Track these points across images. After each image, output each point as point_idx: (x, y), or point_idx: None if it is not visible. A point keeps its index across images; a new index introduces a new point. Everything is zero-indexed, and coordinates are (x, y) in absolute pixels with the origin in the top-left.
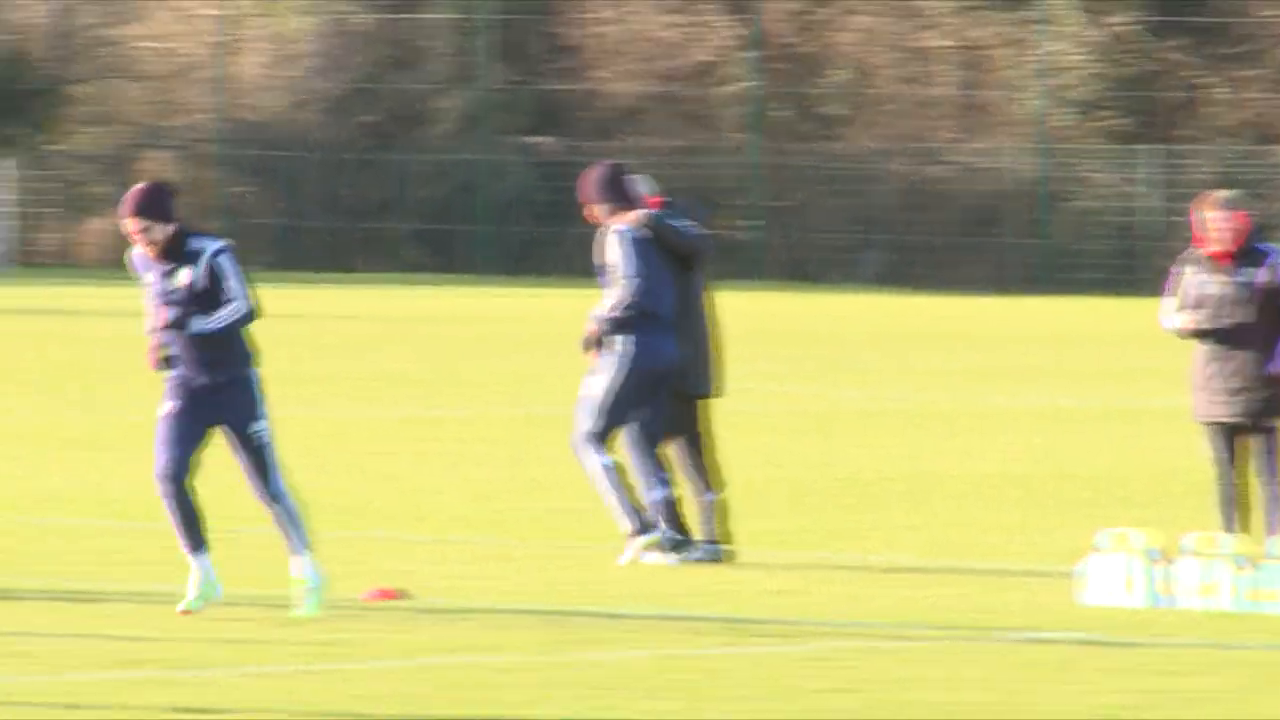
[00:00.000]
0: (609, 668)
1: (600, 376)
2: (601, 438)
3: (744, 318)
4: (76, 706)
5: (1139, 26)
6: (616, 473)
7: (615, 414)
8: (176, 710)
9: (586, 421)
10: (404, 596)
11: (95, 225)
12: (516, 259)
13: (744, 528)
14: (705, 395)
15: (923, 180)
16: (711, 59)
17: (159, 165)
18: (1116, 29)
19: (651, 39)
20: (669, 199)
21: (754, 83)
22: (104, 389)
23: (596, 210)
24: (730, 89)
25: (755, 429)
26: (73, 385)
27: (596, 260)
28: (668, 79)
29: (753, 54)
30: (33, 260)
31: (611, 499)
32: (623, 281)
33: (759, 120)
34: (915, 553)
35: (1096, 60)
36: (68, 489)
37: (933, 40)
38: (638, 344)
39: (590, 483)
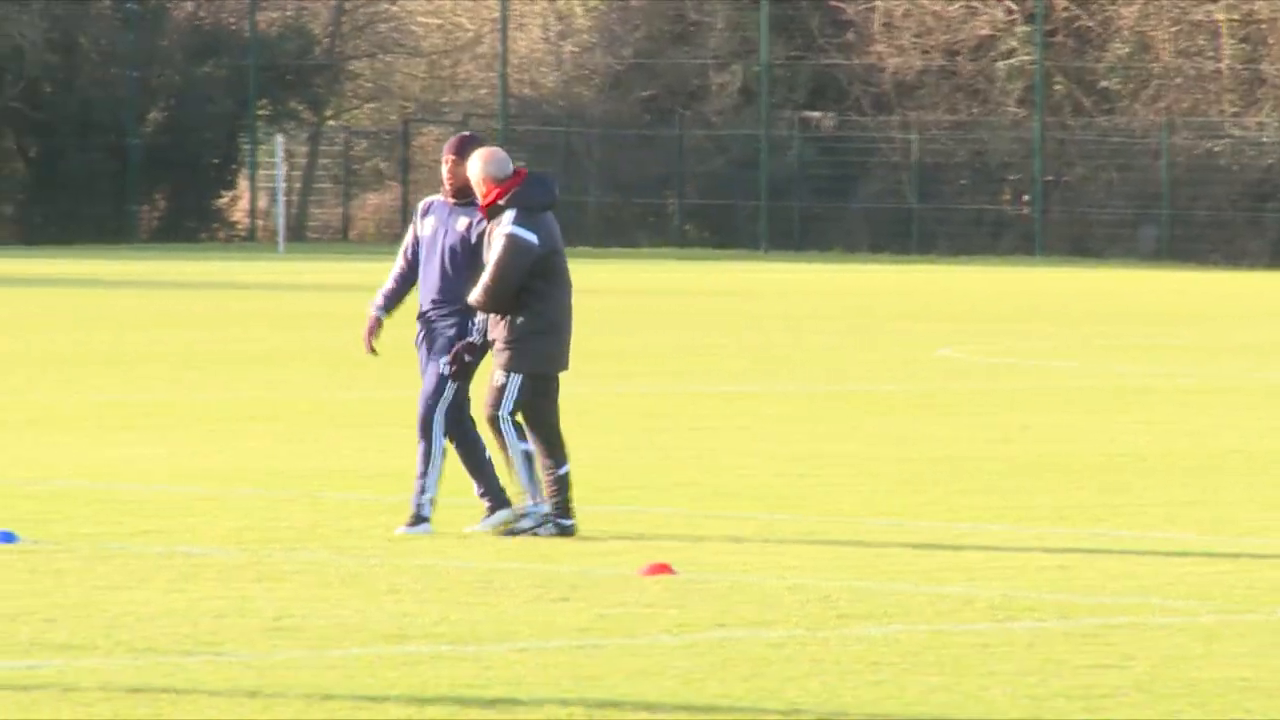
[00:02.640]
0: (880, 643)
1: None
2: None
3: (1022, 294)
4: (345, 682)
5: None
6: (444, 458)
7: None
8: (449, 687)
9: (439, 405)
10: (677, 572)
11: (372, 201)
12: (796, 234)
13: (1022, 502)
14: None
15: (1203, 154)
16: (990, 33)
17: (437, 141)
18: None
19: (930, 12)
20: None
21: (1034, 57)
22: (387, 366)
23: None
24: (1010, 63)
25: (1035, 405)
26: (359, 362)
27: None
28: (947, 53)
29: (1033, 28)
30: (308, 236)
31: (432, 479)
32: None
33: (1039, 94)
34: (1195, 529)
35: None
36: (359, 465)
37: (1214, 13)
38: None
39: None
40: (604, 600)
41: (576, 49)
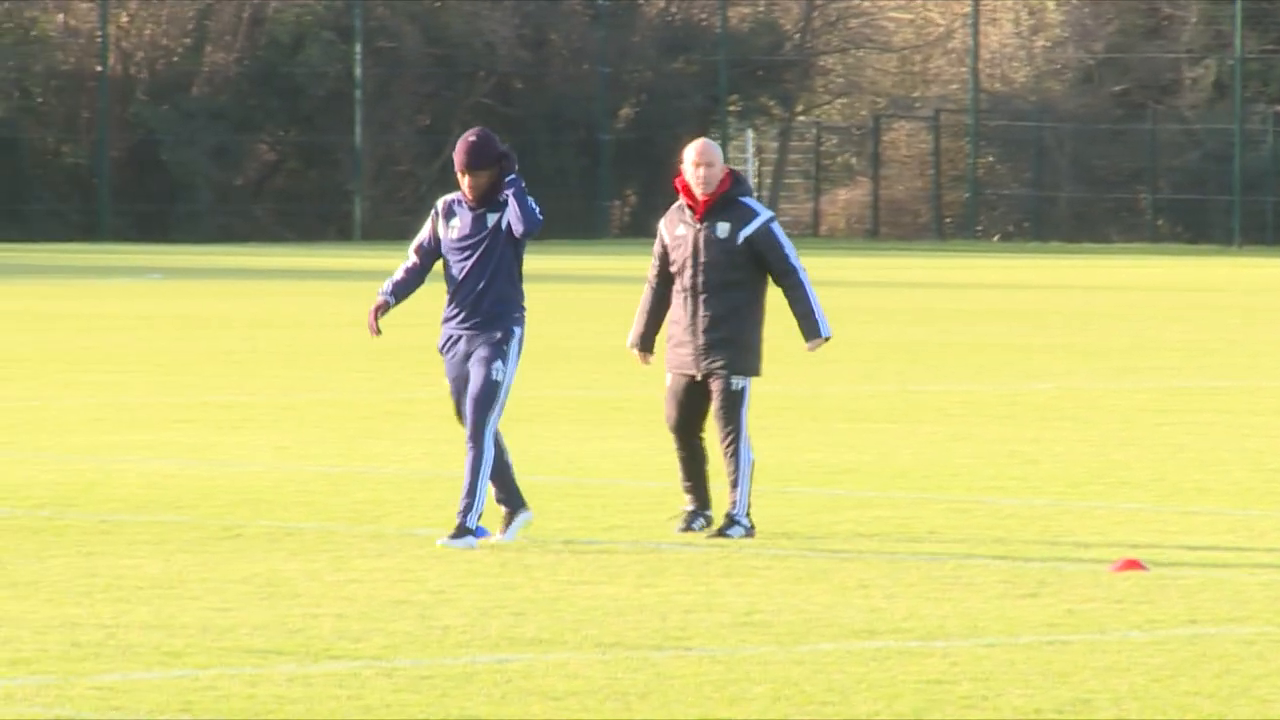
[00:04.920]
0: None
1: (503, 364)
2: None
3: None
4: (812, 677)
5: None
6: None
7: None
8: (917, 682)
9: (494, 412)
10: (1148, 568)
11: (842, 196)
12: (1270, 229)
13: None
14: None
15: None
16: None
17: (908, 136)
18: None
19: None
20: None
21: None
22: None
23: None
24: None
25: None
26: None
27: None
28: None
29: None
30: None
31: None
32: None
33: None
34: None
35: None
36: (826, 458)
37: None
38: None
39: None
40: (1073, 596)
41: (1048, 43)
